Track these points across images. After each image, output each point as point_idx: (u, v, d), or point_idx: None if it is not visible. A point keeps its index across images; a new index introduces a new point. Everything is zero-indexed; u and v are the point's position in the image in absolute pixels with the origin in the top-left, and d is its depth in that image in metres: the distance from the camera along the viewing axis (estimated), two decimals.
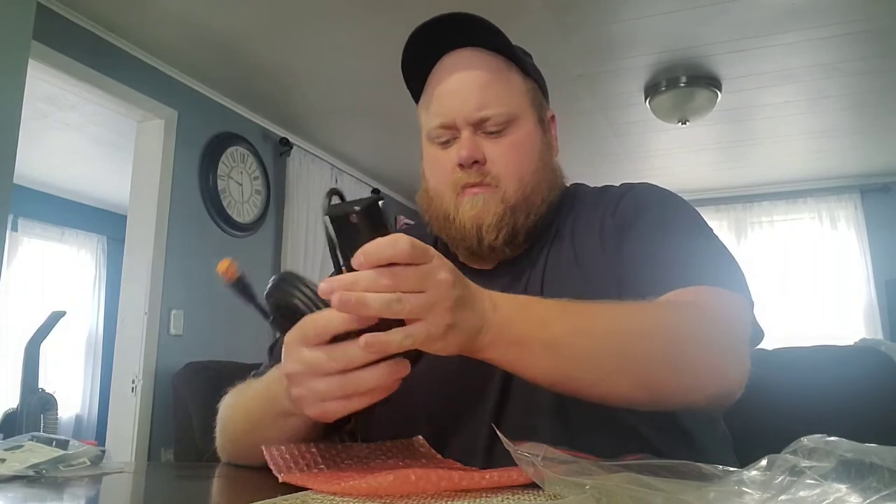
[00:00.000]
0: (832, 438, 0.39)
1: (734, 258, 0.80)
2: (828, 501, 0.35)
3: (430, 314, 0.55)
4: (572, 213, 0.91)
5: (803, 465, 0.38)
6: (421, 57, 0.88)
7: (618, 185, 0.94)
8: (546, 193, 0.88)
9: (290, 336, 0.61)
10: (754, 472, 0.40)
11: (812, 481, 0.37)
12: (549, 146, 0.91)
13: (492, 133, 0.84)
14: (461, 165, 0.84)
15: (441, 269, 0.57)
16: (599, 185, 0.97)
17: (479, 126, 0.84)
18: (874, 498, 0.35)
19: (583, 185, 0.97)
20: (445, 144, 0.86)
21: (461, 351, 0.59)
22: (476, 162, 0.83)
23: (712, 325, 0.70)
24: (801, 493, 0.36)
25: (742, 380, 0.68)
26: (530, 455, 0.50)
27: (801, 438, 0.40)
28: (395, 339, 0.55)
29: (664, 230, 0.81)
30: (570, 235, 0.88)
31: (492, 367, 0.72)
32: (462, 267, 0.91)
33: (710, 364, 0.67)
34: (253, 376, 0.87)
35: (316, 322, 0.59)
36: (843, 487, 0.36)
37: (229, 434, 0.82)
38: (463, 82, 0.84)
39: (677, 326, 0.68)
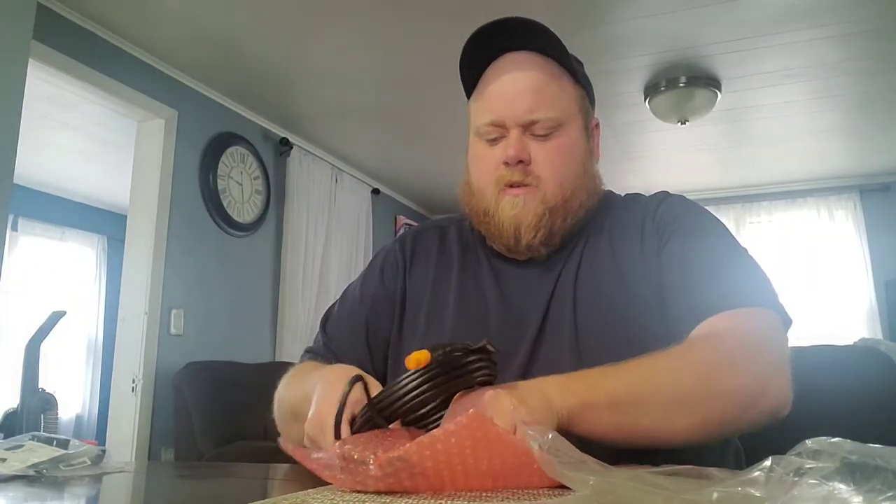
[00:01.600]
0: (836, 440, 0.39)
1: (766, 275, 0.82)
2: (831, 503, 0.35)
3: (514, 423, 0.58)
4: (609, 215, 0.94)
5: (807, 466, 0.38)
6: (478, 55, 0.90)
7: (647, 194, 0.98)
8: (584, 198, 0.91)
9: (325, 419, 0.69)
10: (757, 473, 0.39)
11: (815, 482, 0.37)
12: (591, 153, 0.95)
13: (539, 136, 0.87)
14: (507, 163, 0.87)
15: (482, 397, 0.62)
16: (630, 192, 1.01)
17: (527, 128, 0.87)
18: (878, 500, 0.35)
19: (614, 192, 1.01)
20: (493, 142, 0.89)
21: (555, 425, 0.62)
22: (521, 161, 0.86)
23: (751, 349, 0.74)
24: (805, 494, 0.36)
25: (787, 393, 0.72)
26: (539, 435, 0.49)
27: (805, 441, 0.40)
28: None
29: (703, 247, 0.84)
30: (609, 235, 0.91)
31: (507, 367, 0.78)
32: (497, 256, 0.95)
33: (754, 387, 0.71)
34: (306, 352, 0.99)
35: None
36: (846, 489, 0.36)
37: (278, 418, 0.91)
38: (516, 84, 0.87)
39: (719, 359, 0.72)
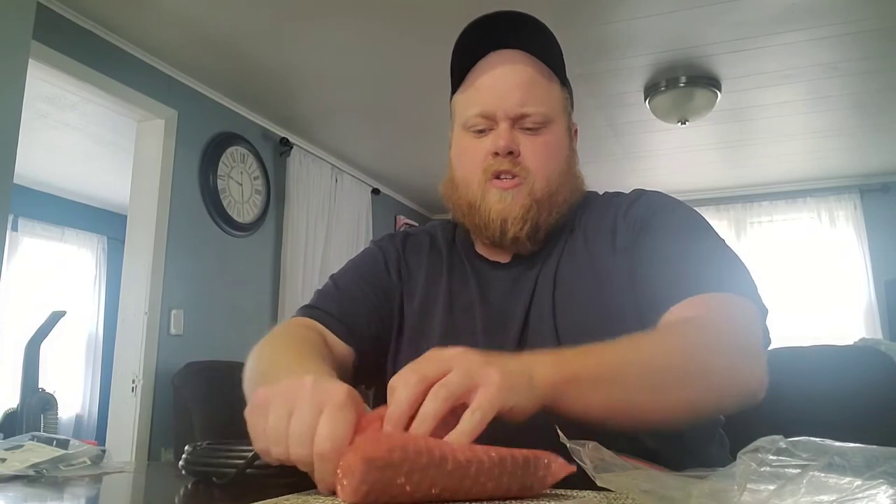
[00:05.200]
0: (799, 438, 0.39)
1: (744, 265, 0.82)
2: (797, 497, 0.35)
3: (474, 379, 0.55)
4: (587, 215, 0.94)
5: (780, 463, 0.38)
6: (472, 47, 0.90)
7: (628, 191, 0.97)
8: (568, 195, 0.91)
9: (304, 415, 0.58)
10: (731, 471, 0.40)
11: (781, 481, 0.37)
12: (574, 153, 0.95)
13: (528, 129, 0.88)
14: (496, 154, 0.87)
15: (449, 350, 0.58)
16: (610, 191, 1.00)
17: (517, 121, 0.87)
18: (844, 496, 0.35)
19: (594, 192, 1.01)
20: (480, 134, 0.89)
21: (538, 403, 0.58)
22: (511, 153, 0.87)
23: (726, 333, 0.72)
24: (769, 488, 0.36)
25: (762, 380, 0.71)
26: (580, 448, 0.49)
27: (770, 437, 0.40)
28: (472, 420, 0.53)
29: (675, 236, 0.83)
30: (584, 234, 0.91)
31: None
32: (478, 258, 0.95)
33: (729, 372, 0.70)
34: (306, 308, 0.97)
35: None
36: (806, 486, 0.36)
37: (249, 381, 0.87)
38: (508, 78, 0.88)
39: (696, 343, 0.70)
